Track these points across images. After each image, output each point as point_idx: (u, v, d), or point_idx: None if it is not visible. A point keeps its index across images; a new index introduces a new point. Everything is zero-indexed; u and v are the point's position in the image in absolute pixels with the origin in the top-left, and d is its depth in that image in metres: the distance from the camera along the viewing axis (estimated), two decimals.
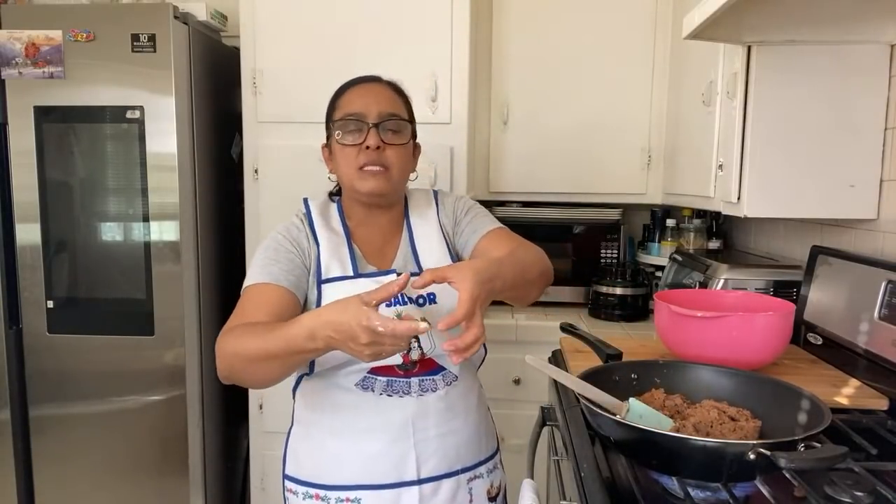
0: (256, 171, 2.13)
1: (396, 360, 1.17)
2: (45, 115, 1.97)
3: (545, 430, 1.43)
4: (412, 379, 1.18)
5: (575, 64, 2.32)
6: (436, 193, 1.34)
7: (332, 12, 2.05)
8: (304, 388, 1.25)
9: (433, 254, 1.25)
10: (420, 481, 1.18)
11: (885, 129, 1.44)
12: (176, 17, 1.95)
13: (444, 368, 1.21)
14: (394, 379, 1.17)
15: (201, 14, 2.09)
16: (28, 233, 2.01)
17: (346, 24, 2.05)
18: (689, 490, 0.88)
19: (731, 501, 0.84)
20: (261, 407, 2.20)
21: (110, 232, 2.02)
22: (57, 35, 1.92)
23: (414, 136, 1.26)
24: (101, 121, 1.97)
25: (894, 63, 1.42)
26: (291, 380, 1.28)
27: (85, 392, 2.05)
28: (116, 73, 1.94)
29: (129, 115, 1.95)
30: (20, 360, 2.06)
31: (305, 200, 1.29)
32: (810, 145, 1.46)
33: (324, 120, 1.26)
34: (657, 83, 2.29)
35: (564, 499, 1.10)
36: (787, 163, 1.47)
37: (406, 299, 1.18)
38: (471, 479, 1.24)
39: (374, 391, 1.17)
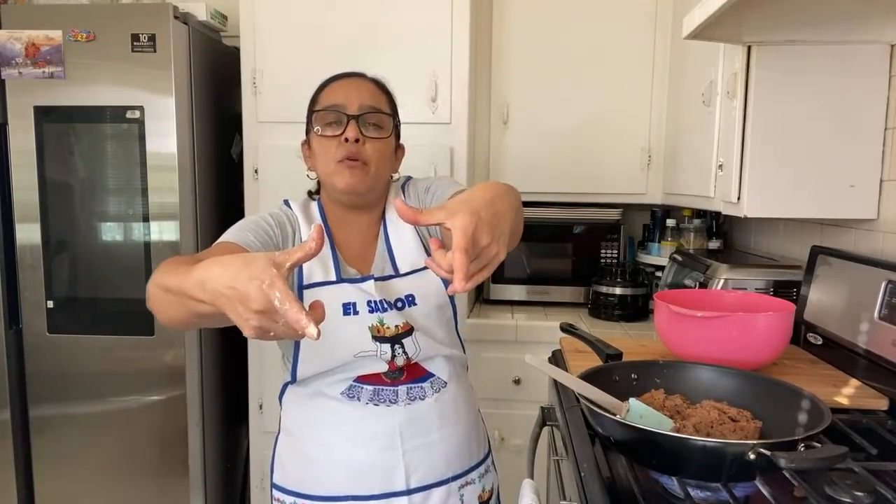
0: (256, 171, 2.13)
1: (382, 367, 1.15)
2: (45, 115, 1.97)
3: (545, 430, 1.43)
4: (399, 387, 1.16)
5: (575, 64, 2.32)
6: (405, 185, 1.28)
7: (333, 12, 2.05)
8: (290, 395, 1.23)
9: (408, 254, 1.21)
10: (409, 491, 1.16)
11: (885, 129, 1.44)
12: (176, 17, 1.95)
13: (432, 375, 1.19)
14: (380, 387, 1.15)
15: (201, 14, 2.09)
16: (28, 233, 2.01)
17: (347, 24, 2.05)
18: (689, 490, 0.88)
19: (731, 501, 0.84)
20: (261, 407, 2.20)
21: (110, 232, 2.02)
22: (57, 35, 1.92)
23: (397, 134, 1.22)
24: (101, 121, 1.97)
25: (894, 63, 1.42)
26: (278, 387, 1.27)
27: (85, 392, 2.05)
28: (116, 73, 1.94)
29: (129, 115, 1.95)
30: (20, 360, 2.06)
31: (287, 202, 1.25)
32: (810, 145, 1.46)
33: None
34: (657, 83, 2.30)
35: (564, 499, 1.10)
36: (788, 163, 1.47)
37: (386, 305, 1.15)
38: (462, 486, 1.23)
39: (360, 400, 1.14)
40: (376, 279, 1.16)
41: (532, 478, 1.25)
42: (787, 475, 0.86)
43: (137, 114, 1.95)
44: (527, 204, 2.42)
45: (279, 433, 1.27)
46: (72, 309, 2.04)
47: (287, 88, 2.08)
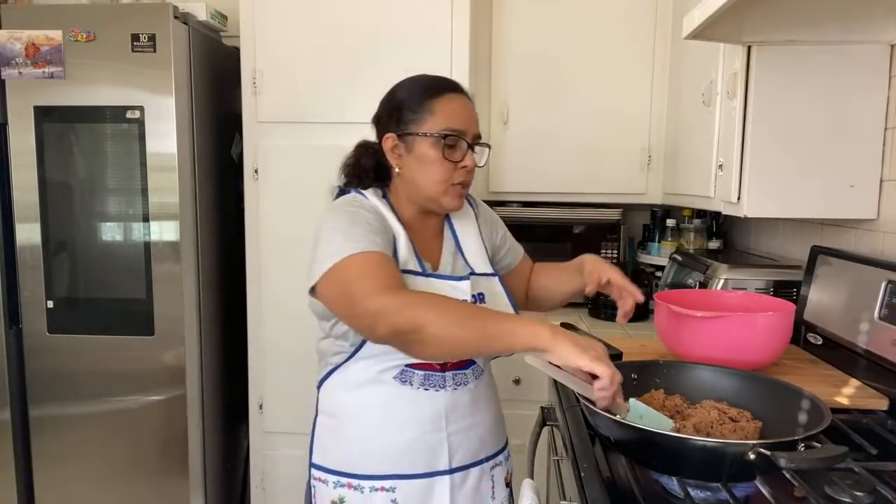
0: (256, 171, 2.13)
1: None
2: (45, 115, 1.96)
3: (545, 430, 1.44)
4: (447, 373, 1.22)
5: (575, 64, 2.32)
6: (471, 200, 1.39)
7: (333, 13, 2.05)
8: (338, 379, 1.25)
9: (477, 254, 1.31)
10: (451, 470, 1.22)
11: (885, 129, 1.44)
12: (176, 17, 1.95)
13: (474, 363, 1.26)
14: (430, 373, 1.20)
15: (201, 14, 2.09)
16: (28, 233, 2.01)
17: (346, 24, 2.05)
18: (689, 490, 0.88)
19: (731, 501, 0.84)
20: (261, 407, 2.20)
21: (110, 232, 2.02)
22: (57, 35, 1.92)
23: None
24: (101, 121, 1.97)
25: (894, 63, 1.42)
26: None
27: (85, 392, 2.05)
28: (116, 73, 1.93)
29: (129, 115, 1.95)
30: (20, 360, 2.06)
31: (361, 193, 1.25)
32: (810, 145, 1.46)
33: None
34: (657, 83, 2.29)
35: (564, 499, 1.10)
36: (787, 163, 1.47)
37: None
38: (493, 467, 1.30)
39: (412, 385, 1.20)
40: (471, 275, 1.25)
41: (532, 478, 1.25)
42: (787, 475, 0.86)
43: (137, 114, 1.95)
44: (527, 204, 2.44)
45: (318, 416, 1.30)
46: (72, 309, 2.04)
47: (287, 88, 2.08)
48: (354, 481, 1.21)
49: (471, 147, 1.21)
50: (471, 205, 1.37)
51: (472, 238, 1.32)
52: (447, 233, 1.31)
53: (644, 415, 1.00)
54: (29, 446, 2.09)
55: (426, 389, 1.20)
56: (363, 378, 1.21)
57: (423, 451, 1.20)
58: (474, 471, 1.25)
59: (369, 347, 1.18)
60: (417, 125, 1.19)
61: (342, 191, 1.28)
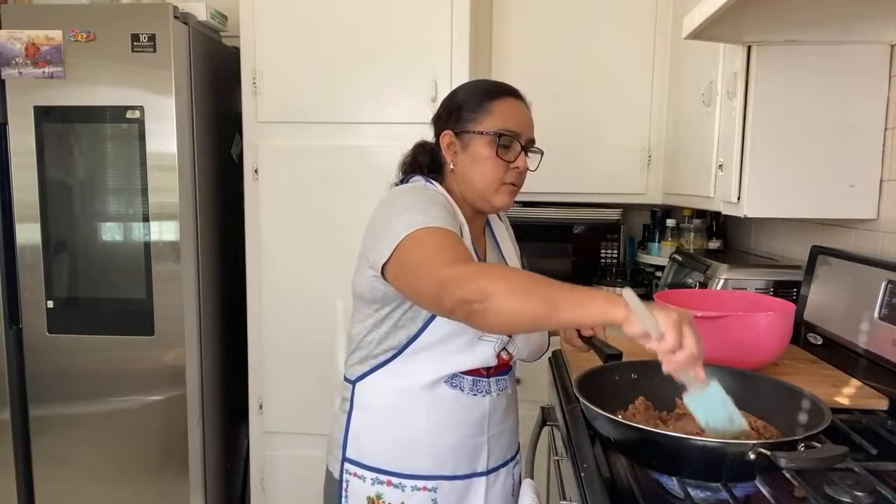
0: (256, 171, 2.13)
1: (491, 361, 1.21)
2: (45, 115, 1.96)
3: (545, 430, 1.44)
4: (491, 379, 1.25)
5: (575, 64, 2.32)
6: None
7: (333, 12, 2.06)
8: (384, 377, 1.23)
9: (513, 259, 1.35)
10: (487, 472, 1.26)
11: (885, 129, 1.44)
12: (176, 17, 1.95)
13: (511, 368, 1.30)
14: (478, 378, 1.23)
15: (201, 14, 2.09)
16: (28, 233, 2.01)
17: (346, 24, 2.05)
18: (689, 490, 0.88)
19: (731, 501, 0.84)
20: (261, 407, 2.20)
21: (110, 232, 2.02)
22: (57, 35, 1.92)
23: None
24: (101, 121, 1.97)
25: (894, 63, 1.42)
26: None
27: (85, 392, 2.05)
28: (116, 73, 1.93)
29: (129, 115, 1.95)
30: (20, 360, 2.06)
31: (429, 180, 1.26)
32: (810, 145, 1.46)
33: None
34: (657, 83, 2.29)
35: (564, 499, 1.11)
36: (787, 163, 1.47)
37: None
38: (514, 466, 1.34)
39: (462, 390, 1.21)
40: None
41: (532, 478, 1.25)
42: (787, 475, 0.86)
43: (137, 114, 1.95)
44: (527, 204, 2.44)
45: (352, 410, 1.27)
46: (72, 309, 2.04)
47: (287, 88, 2.08)
48: (395, 479, 1.21)
49: (524, 150, 1.23)
50: (500, 219, 1.41)
51: (509, 246, 1.37)
52: (488, 236, 1.35)
53: (714, 403, 0.94)
54: (29, 446, 2.09)
55: (474, 395, 1.22)
56: (414, 380, 1.20)
57: (466, 453, 1.23)
58: (503, 471, 1.29)
59: (421, 341, 1.18)
60: (475, 124, 1.23)
61: (403, 181, 1.29)
